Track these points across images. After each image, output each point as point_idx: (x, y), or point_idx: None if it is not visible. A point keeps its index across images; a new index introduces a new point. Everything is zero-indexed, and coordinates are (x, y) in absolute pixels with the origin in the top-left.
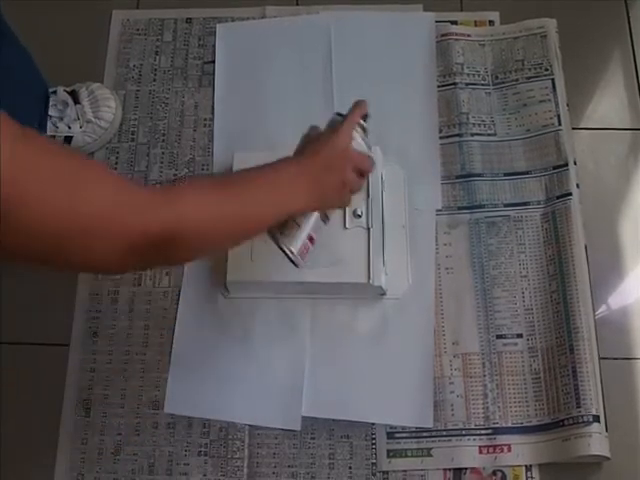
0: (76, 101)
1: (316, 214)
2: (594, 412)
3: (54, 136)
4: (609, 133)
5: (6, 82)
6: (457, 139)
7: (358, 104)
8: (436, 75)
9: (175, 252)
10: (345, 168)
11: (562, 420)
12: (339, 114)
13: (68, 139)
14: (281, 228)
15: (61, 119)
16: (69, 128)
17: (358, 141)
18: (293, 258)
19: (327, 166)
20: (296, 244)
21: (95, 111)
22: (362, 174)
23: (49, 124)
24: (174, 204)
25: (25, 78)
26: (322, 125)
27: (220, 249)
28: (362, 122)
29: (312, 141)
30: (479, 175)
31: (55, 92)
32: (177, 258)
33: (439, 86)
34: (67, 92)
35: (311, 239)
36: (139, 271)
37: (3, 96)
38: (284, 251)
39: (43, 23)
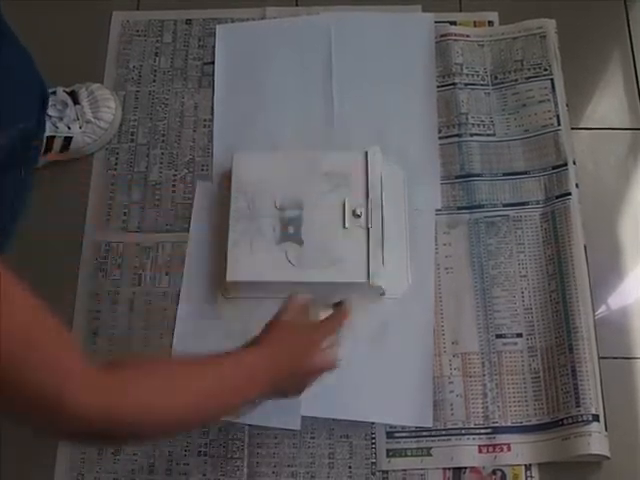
0: (76, 101)
1: None
2: (594, 411)
3: (54, 136)
4: (608, 133)
5: (5, 82)
6: (456, 139)
7: (342, 310)
8: (435, 75)
9: (106, 435)
10: (307, 379)
11: (562, 419)
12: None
13: (68, 139)
14: None
15: (61, 119)
16: (69, 128)
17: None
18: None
19: (291, 375)
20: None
21: (95, 112)
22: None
23: (49, 124)
24: (113, 390)
25: (25, 78)
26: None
27: (166, 436)
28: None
29: (285, 338)
30: (478, 175)
31: (55, 92)
32: (109, 440)
33: (438, 86)
34: (67, 92)
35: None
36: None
37: (2, 96)
38: None
39: (43, 23)
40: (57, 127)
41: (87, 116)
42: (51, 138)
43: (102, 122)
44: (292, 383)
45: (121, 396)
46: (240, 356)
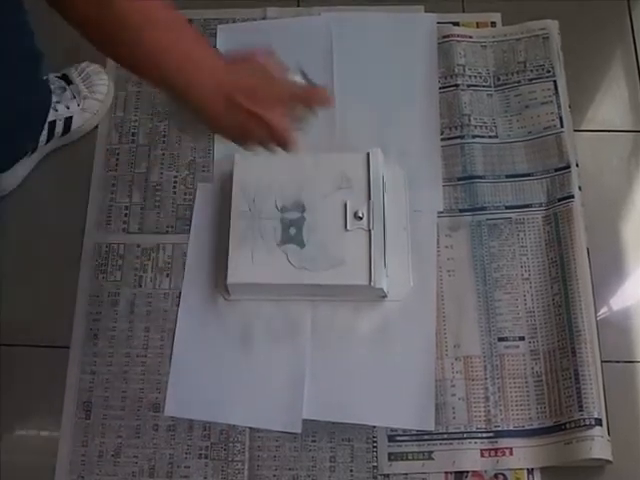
0: (69, 82)
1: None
2: (596, 415)
3: (54, 121)
4: (611, 135)
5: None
6: (459, 141)
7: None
8: (437, 76)
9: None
10: (266, 111)
11: (564, 423)
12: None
13: (68, 120)
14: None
15: (59, 102)
16: (67, 108)
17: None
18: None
19: (251, 86)
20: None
21: (89, 86)
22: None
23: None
24: None
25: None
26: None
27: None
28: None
29: (250, 67)
30: (481, 177)
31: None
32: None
33: (441, 88)
34: (58, 77)
35: None
36: None
37: None
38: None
39: (43, 25)
40: (57, 110)
41: (83, 93)
42: (52, 123)
43: (98, 94)
44: (237, 123)
45: None
46: (207, 53)
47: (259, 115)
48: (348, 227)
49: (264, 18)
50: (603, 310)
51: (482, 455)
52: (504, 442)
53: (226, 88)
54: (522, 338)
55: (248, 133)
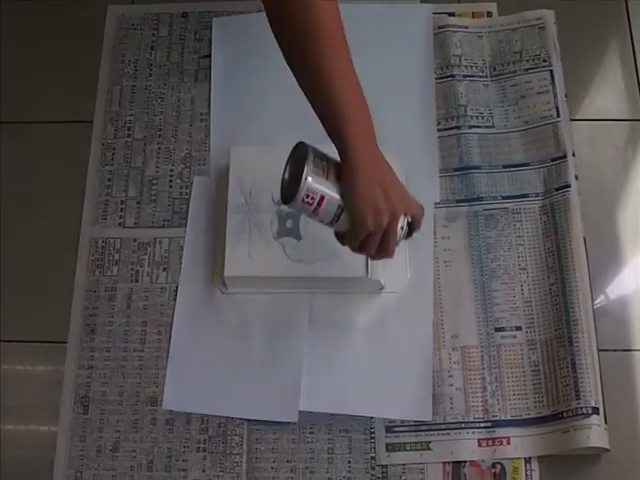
0: None
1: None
2: (593, 404)
3: None
4: (608, 124)
5: None
6: (455, 132)
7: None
8: (434, 67)
9: None
10: (394, 207)
11: (561, 412)
12: None
13: None
14: (316, 161)
15: None
16: None
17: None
18: (298, 187)
19: (383, 190)
20: (312, 185)
21: None
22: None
23: None
24: None
25: None
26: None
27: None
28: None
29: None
30: (477, 167)
31: None
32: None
33: (437, 78)
34: None
35: (321, 200)
36: None
37: None
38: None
39: (39, 19)
40: None
41: None
42: None
43: None
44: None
45: None
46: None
47: (387, 223)
48: None
49: (260, 11)
50: (600, 299)
51: (479, 445)
52: (501, 432)
53: (379, 171)
54: (519, 328)
55: (369, 239)
